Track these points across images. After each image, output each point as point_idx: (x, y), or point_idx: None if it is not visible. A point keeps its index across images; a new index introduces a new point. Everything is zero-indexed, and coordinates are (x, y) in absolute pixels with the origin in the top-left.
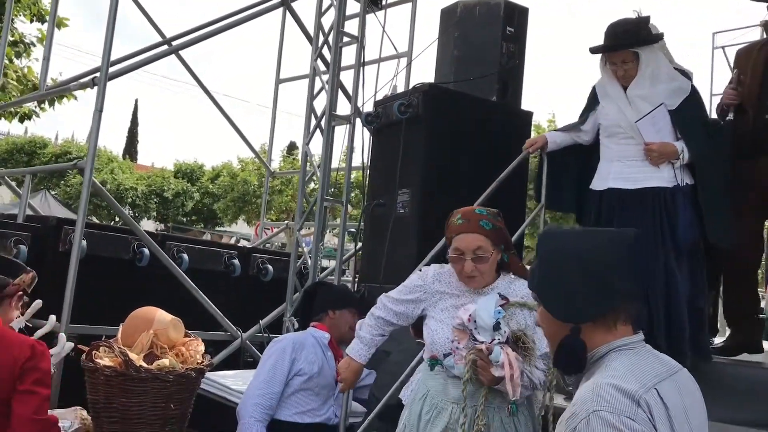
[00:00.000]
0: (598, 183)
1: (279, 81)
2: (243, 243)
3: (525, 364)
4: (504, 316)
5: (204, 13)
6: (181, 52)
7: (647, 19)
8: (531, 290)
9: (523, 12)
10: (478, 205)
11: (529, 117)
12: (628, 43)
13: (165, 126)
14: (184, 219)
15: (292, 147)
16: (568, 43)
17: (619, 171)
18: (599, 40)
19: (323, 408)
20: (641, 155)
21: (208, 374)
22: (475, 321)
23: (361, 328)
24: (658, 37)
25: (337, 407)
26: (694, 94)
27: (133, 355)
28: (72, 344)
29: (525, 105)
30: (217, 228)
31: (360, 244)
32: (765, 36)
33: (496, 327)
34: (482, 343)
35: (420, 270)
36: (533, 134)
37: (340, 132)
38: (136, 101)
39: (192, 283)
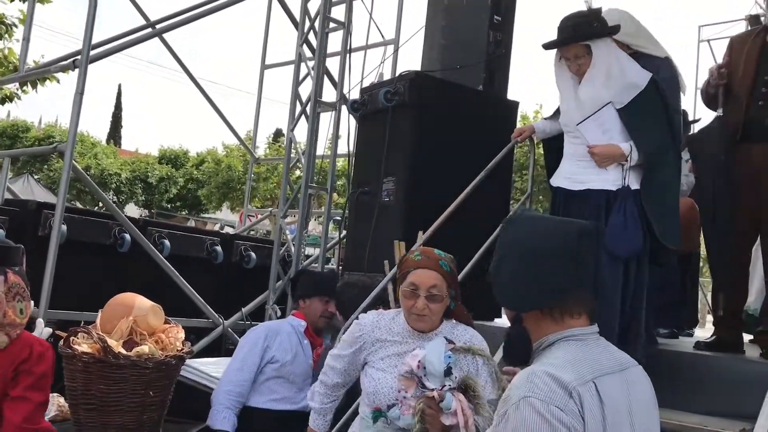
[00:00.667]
0: (554, 179)
1: (264, 67)
2: (227, 230)
3: (474, 412)
4: (454, 361)
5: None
6: (166, 37)
7: (598, 11)
8: (488, 279)
9: (510, 1)
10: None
11: (515, 106)
12: (578, 36)
13: (149, 111)
14: (169, 205)
15: (278, 134)
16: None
17: (568, 170)
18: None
19: (298, 396)
20: (589, 155)
21: (188, 361)
22: (424, 367)
23: (313, 397)
24: (612, 30)
25: None
26: (654, 87)
27: (111, 342)
28: (50, 330)
29: (512, 95)
30: (201, 214)
31: (344, 232)
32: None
33: (448, 372)
34: (432, 390)
35: (357, 319)
36: (519, 124)
37: (326, 119)
38: (120, 86)
39: (173, 269)
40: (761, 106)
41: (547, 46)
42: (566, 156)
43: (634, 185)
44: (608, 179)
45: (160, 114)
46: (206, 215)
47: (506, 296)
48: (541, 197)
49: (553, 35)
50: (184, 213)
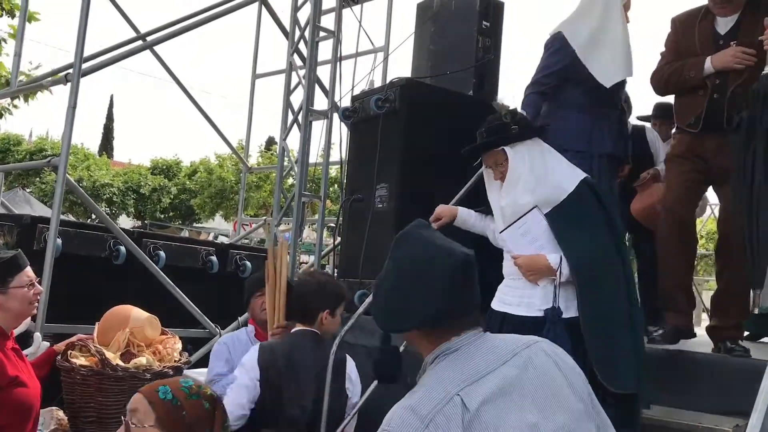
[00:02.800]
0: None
1: (255, 76)
2: (221, 239)
3: None
4: None
5: (179, 8)
6: (157, 49)
7: (514, 111)
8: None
9: (498, 6)
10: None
11: None
12: (492, 143)
13: (141, 121)
14: (162, 215)
15: (270, 142)
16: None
17: (500, 290)
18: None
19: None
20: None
21: (186, 371)
22: None
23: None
24: (533, 132)
25: None
26: (587, 188)
27: (109, 354)
28: (48, 344)
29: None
30: (195, 224)
31: (339, 240)
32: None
33: None
34: None
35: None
36: None
37: (318, 127)
38: (112, 97)
39: (169, 280)
40: (717, 98)
41: (464, 153)
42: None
43: (569, 311)
44: (533, 302)
45: (152, 124)
46: (199, 225)
47: (380, 316)
48: None
49: (541, 36)
50: (177, 223)
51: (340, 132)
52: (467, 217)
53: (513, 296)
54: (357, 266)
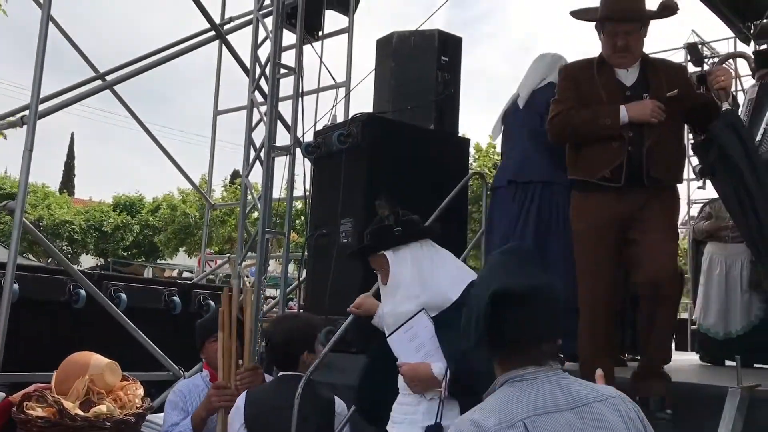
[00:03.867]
0: None
1: (217, 112)
2: (186, 275)
3: None
4: None
5: (138, 44)
6: (118, 86)
7: (397, 213)
8: None
9: (456, 42)
10: None
11: (466, 143)
12: (371, 248)
13: (103, 158)
14: (125, 253)
15: (235, 175)
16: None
17: (393, 408)
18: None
19: None
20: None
21: (149, 417)
22: None
23: None
24: (421, 233)
25: None
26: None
27: (67, 404)
28: (3, 395)
29: (475, 130)
30: (158, 261)
31: (304, 275)
32: (688, 58)
33: None
34: None
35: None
36: (472, 159)
37: (282, 162)
38: (72, 135)
39: (131, 323)
40: (631, 151)
41: (352, 257)
42: None
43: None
44: (416, 419)
45: (114, 161)
46: (163, 262)
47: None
48: None
49: (497, 71)
50: (140, 260)
51: (304, 167)
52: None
53: (399, 413)
54: (323, 302)
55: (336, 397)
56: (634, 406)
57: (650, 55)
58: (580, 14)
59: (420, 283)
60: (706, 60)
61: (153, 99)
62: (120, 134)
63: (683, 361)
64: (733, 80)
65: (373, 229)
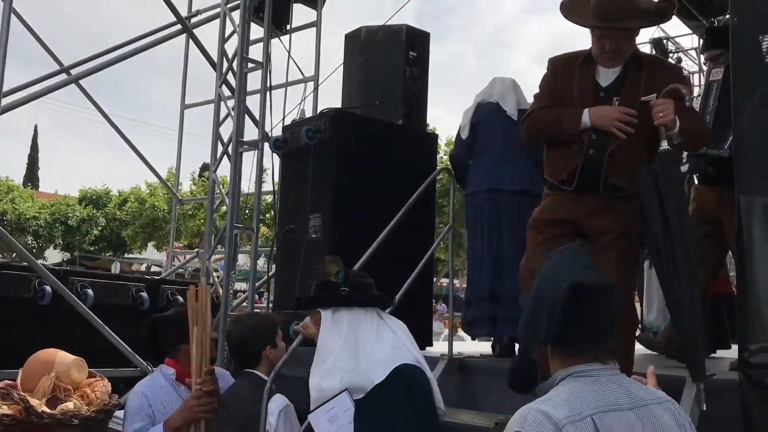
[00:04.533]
0: None
1: (184, 106)
2: (155, 269)
3: None
4: None
5: (102, 32)
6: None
7: (348, 273)
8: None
9: (424, 37)
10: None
11: (434, 138)
12: (308, 301)
13: (68, 151)
14: (92, 247)
15: (204, 168)
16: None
17: None
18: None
19: None
20: None
21: (117, 413)
22: None
23: None
24: (371, 301)
25: None
26: (401, 380)
27: (34, 401)
28: None
29: (445, 123)
30: (126, 255)
31: (273, 270)
32: (654, 54)
33: None
34: None
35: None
36: (442, 153)
37: (250, 157)
38: (36, 127)
39: (98, 319)
40: (592, 155)
41: (298, 307)
42: None
43: None
44: None
45: (79, 153)
46: (131, 256)
47: (520, 329)
48: (462, 229)
49: (467, 64)
50: (108, 255)
51: (272, 161)
52: None
53: None
54: (292, 296)
55: (278, 393)
56: (683, 411)
57: (643, 52)
58: (570, 14)
59: (353, 356)
60: (671, 54)
61: (118, 89)
62: (85, 126)
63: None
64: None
65: (320, 282)
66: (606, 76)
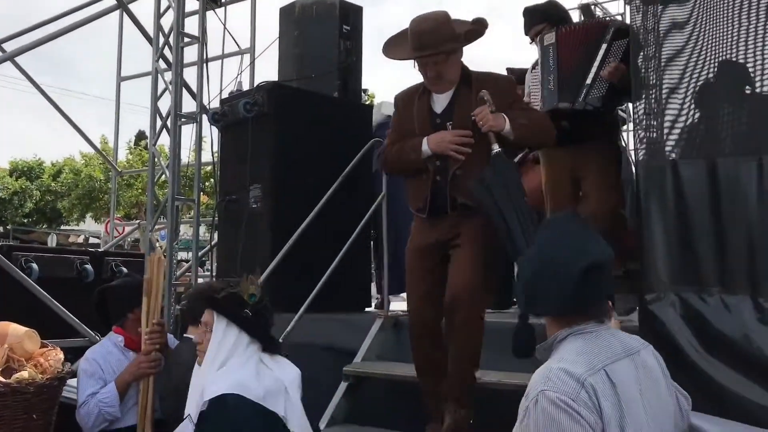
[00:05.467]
0: None
1: (121, 79)
2: (93, 241)
3: None
4: None
5: (34, 8)
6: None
7: (260, 300)
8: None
9: (357, 11)
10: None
11: (369, 109)
12: (211, 301)
13: None
14: (25, 220)
15: (140, 137)
16: None
17: None
18: None
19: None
20: None
21: (70, 381)
22: None
23: None
24: (259, 335)
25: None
26: (214, 407)
27: None
28: None
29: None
30: (62, 227)
31: (215, 240)
32: (582, 19)
33: None
34: None
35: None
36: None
37: (188, 130)
38: None
39: (44, 292)
40: (439, 180)
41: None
42: None
43: None
44: None
45: (8, 125)
46: (68, 227)
47: (521, 299)
48: None
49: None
50: (43, 227)
51: (211, 134)
52: None
53: None
54: (235, 266)
55: None
56: (660, 357)
57: (476, 71)
58: (391, 53)
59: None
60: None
61: (47, 57)
62: (9, 95)
63: None
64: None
65: (232, 293)
66: (440, 103)
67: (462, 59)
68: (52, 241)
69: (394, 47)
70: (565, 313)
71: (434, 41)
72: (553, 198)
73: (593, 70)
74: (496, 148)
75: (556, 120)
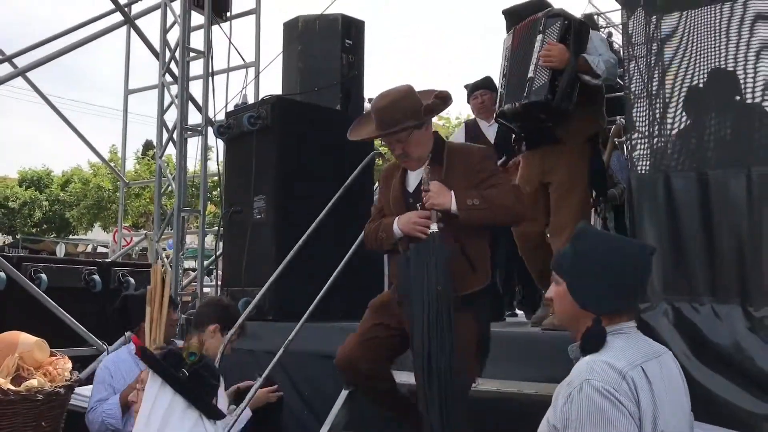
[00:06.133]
0: None
1: (128, 92)
2: (101, 250)
3: None
4: None
5: (35, 17)
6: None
7: (200, 359)
8: (557, 272)
9: (359, 25)
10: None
11: None
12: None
13: (5, 132)
14: (34, 230)
15: (147, 146)
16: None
17: None
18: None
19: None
20: None
21: (77, 389)
22: None
23: None
24: (194, 396)
25: None
26: None
27: None
28: None
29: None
30: (71, 236)
31: (221, 250)
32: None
33: None
34: None
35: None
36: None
37: (194, 142)
38: None
39: (53, 302)
40: None
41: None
42: None
43: None
44: None
45: (13, 133)
46: (76, 237)
47: (589, 301)
48: None
49: (395, 60)
50: (52, 237)
51: (216, 145)
52: None
53: None
54: (240, 275)
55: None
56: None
57: (451, 144)
58: (356, 134)
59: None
60: (602, 29)
61: (56, 66)
62: (17, 106)
63: None
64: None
65: (172, 351)
66: (412, 181)
67: (431, 133)
68: (60, 251)
69: (358, 127)
70: (623, 308)
71: (393, 118)
72: None
73: (533, 61)
74: (434, 228)
75: (534, 115)
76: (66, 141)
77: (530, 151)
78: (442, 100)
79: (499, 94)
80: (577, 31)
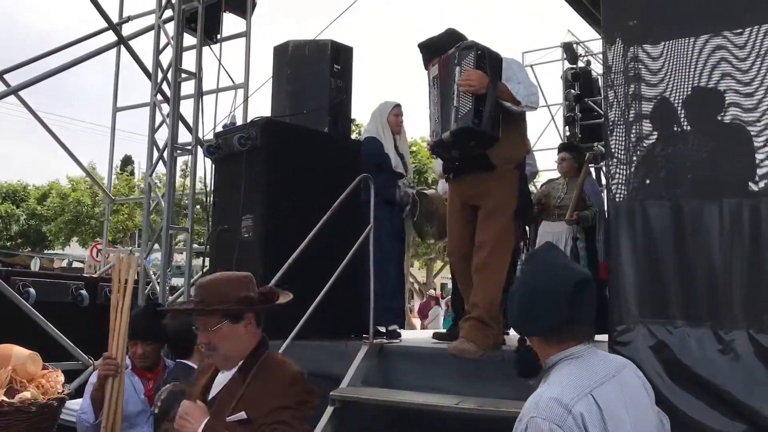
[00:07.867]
0: None
1: (116, 109)
2: (77, 265)
3: None
4: None
5: (29, 27)
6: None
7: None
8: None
9: (347, 51)
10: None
11: (358, 145)
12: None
13: None
14: (9, 243)
15: (126, 161)
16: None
17: None
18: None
19: None
20: None
21: (67, 403)
22: None
23: None
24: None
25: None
26: None
27: None
28: None
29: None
30: (46, 251)
31: (207, 268)
32: (564, 57)
33: None
34: None
35: None
36: None
37: (184, 158)
38: None
39: (41, 316)
40: None
41: None
42: None
43: None
44: None
45: None
46: (51, 251)
47: (517, 324)
48: None
49: (383, 83)
50: (27, 250)
51: (205, 164)
52: None
53: None
54: None
55: None
56: (641, 373)
57: (272, 358)
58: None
59: None
60: (581, 57)
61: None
62: None
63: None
64: None
65: None
66: (218, 383)
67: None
68: (35, 265)
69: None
70: (558, 332)
71: (208, 299)
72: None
73: (454, 91)
74: None
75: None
76: (41, 155)
77: (462, 176)
78: (267, 297)
79: (430, 131)
80: (491, 58)
